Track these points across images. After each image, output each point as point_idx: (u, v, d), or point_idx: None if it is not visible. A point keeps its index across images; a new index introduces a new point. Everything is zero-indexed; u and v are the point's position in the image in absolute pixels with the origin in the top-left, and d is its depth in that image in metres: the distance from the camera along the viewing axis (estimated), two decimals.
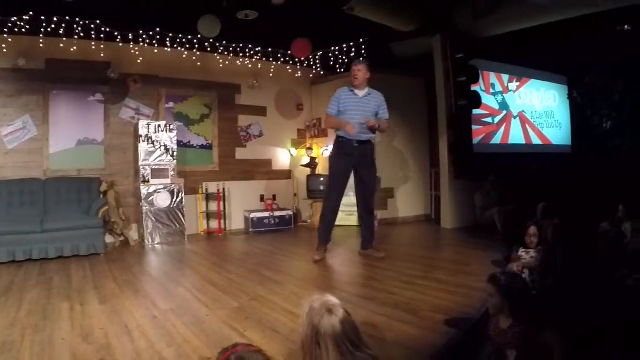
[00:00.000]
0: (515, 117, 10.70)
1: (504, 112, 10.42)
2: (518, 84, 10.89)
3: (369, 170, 6.20)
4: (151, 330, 3.56)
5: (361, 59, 6.64)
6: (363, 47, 9.00)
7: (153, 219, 7.95)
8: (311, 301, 1.95)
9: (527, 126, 11.00)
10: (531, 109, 11.15)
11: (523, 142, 10.85)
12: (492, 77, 10.23)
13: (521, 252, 4.64)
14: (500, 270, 4.54)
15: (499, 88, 10.38)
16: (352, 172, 6.20)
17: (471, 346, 3.18)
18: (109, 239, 7.87)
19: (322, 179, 9.80)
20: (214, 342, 3.22)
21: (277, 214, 9.39)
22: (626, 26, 8.84)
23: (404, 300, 4.18)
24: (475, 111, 9.08)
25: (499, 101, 10.33)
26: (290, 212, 9.66)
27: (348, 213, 9.43)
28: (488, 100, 9.81)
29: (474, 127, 9.40)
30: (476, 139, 9.51)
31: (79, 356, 3.07)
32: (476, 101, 8.66)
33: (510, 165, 9.30)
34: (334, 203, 6.22)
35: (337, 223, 9.03)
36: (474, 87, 8.79)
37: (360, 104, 6.02)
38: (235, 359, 1.60)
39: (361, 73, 5.99)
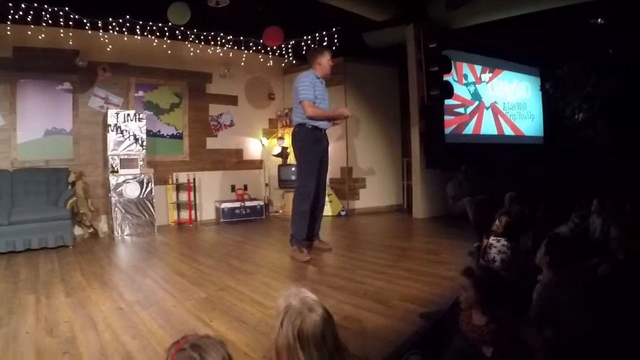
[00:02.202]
0: (487, 108, 10.76)
1: (476, 103, 10.47)
2: (491, 75, 10.95)
3: (327, 158, 6.19)
4: (116, 322, 3.51)
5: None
6: (336, 36, 8.96)
7: (122, 209, 7.86)
8: (287, 296, 1.87)
9: (500, 117, 11.07)
10: (503, 100, 11.22)
11: (495, 132, 10.93)
12: (465, 68, 10.27)
13: (492, 240, 4.65)
14: (472, 259, 4.60)
15: (471, 79, 10.43)
16: None
17: (440, 336, 3.18)
18: (77, 230, 7.78)
19: (293, 168, 9.80)
20: (180, 333, 3.06)
21: (248, 204, 9.39)
22: (599, 19, 8.93)
23: (373, 289, 4.18)
24: (448, 101, 9.09)
25: (472, 92, 10.38)
26: (262, 202, 9.66)
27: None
28: (460, 90, 9.84)
29: (446, 117, 9.45)
30: (448, 129, 9.56)
31: (43, 350, 3.03)
32: (448, 91, 8.67)
33: (482, 156, 9.37)
34: (310, 200, 5.90)
35: None
36: (446, 77, 8.80)
37: (326, 92, 6.03)
38: (190, 347, 1.57)
39: (331, 62, 6.04)
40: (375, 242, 6.93)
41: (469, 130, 10.19)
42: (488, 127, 10.72)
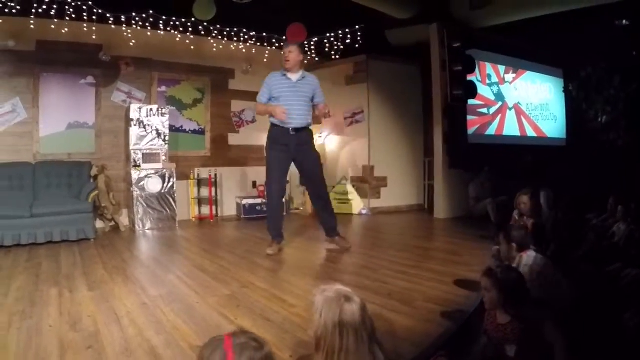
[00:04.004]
0: (510, 109, 10.67)
1: (500, 103, 10.38)
2: (514, 75, 10.85)
3: (309, 156, 5.83)
4: (140, 318, 3.50)
5: (291, 39, 6.42)
6: (359, 33, 8.91)
7: (144, 204, 7.88)
8: (323, 290, 1.93)
9: (523, 118, 10.97)
10: (527, 101, 11.12)
11: (518, 133, 10.83)
12: (489, 68, 10.18)
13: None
14: (495, 263, 4.54)
15: (495, 79, 10.34)
16: (292, 162, 5.91)
17: (466, 338, 3.15)
18: (99, 224, 7.82)
19: None
20: (204, 330, 3.18)
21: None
22: (624, 21, 8.80)
23: (397, 289, 4.13)
24: (471, 101, 9.01)
25: (495, 92, 10.29)
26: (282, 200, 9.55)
27: (340, 201, 9.43)
28: (484, 90, 9.76)
29: (469, 118, 9.36)
30: (471, 130, 9.47)
31: (66, 343, 3.01)
32: (472, 91, 8.60)
33: (505, 157, 9.28)
34: (275, 199, 5.89)
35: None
36: (469, 77, 8.73)
37: (294, 88, 5.67)
38: (242, 334, 1.58)
39: (293, 55, 5.64)
40: (397, 241, 6.87)
41: (491, 130, 10.10)
42: (511, 128, 10.62)
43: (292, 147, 5.67)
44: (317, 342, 1.88)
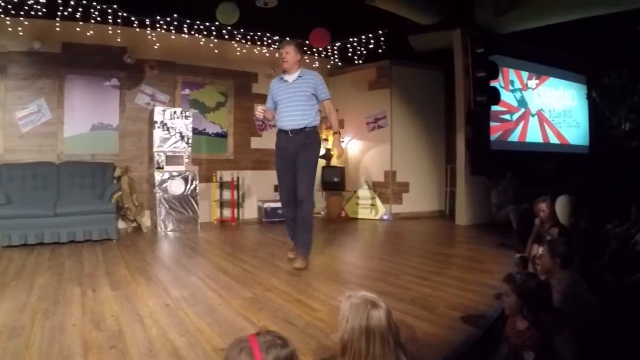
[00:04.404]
0: (533, 115, 10.60)
1: (523, 110, 10.32)
2: (537, 81, 10.79)
3: (302, 157, 5.42)
4: (163, 319, 3.51)
5: (288, 39, 5.96)
6: (382, 39, 8.91)
7: (166, 205, 7.92)
8: (349, 297, 1.94)
9: (545, 124, 10.89)
10: (550, 108, 11.04)
11: (540, 140, 10.75)
12: (512, 74, 10.13)
13: (540, 252, 4.52)
14: (516, 269, 4.49)
15: (518, 85, 10.28)
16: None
17: (488, 345, 3.14)
18: (121, 224, 7.89)
19: (337, 170, 9.82)
20: (227, 333, 3.18)
21: None
22: None
23: (419, 296, 4.12)
24: (494, 107, 8.96)
25: (518, 98, 10.23)
26: None
27: (362, 206, 9.43)
28: (507, 97, 9.71)
29: (491, 124, 9.31)
30: (494, 136, 9.43)
31: (90, 343, 3.03)
32: (495, 97, 8.54)
33: (527, 164, 9.21)
34: (284, 202, 5.71)
35: (355, 216, 9.18)
36: (493, 83, 8.67)
37: (290, 90, 5.47)
38: (267, 333, 1.59)
39: (290, 55, 5.42)
40: (419, 247, 6.84)
41: (514, 137, 10.04)
42: (534, 134, 10.55)
43: (291, 149, 5.45)
44: (342, 347, 1.88)
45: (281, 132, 5.54)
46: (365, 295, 1.93)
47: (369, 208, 9.49)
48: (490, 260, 5.72)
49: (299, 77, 5.48)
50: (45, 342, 3.04)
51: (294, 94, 5.43)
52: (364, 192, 9.65)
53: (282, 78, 5.57)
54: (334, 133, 5.74)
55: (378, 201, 9.53)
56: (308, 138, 5.44)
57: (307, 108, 5.44)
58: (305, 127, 5.41)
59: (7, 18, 7.28)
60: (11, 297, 4.07)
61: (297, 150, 5.40)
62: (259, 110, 5.51)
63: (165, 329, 3.28)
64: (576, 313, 3.18)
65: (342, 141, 9.81)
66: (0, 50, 7.54)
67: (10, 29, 7.40)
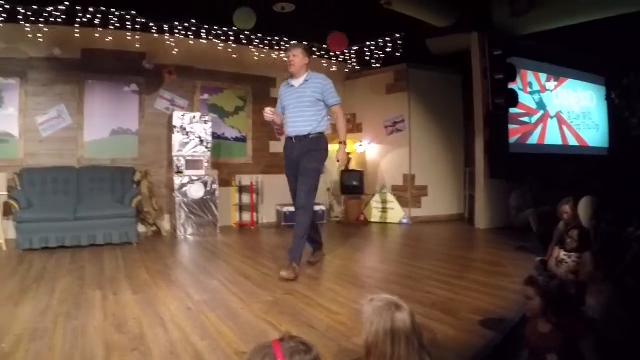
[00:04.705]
0: (552, 117, 10.50)
1: (541, 112, 10.22)
2: (556, 83, 10.68)
3: (303, 164, 5.25)
4: (185, 322, 3.52)
5: (295, 42, 5.76)
6: (399, 42, 8.90)
7: (186, 209, 7.97)
8: (372, 300, 1.93)
9: (564, 127, 10.78)
10: (568, 109, 10.92)
11: (560, 143, 10.64)
12: (530, 76, 10.05)
13: (563, 255, 4.48)
14: (537, 272, 4.46)
15: (536, 87, 10.19)
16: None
17: (509, 349, 3.12)
18: (141, 228, 7.95)
19: (356, 174, 9.82)
20: (249, 336, 3.19)
21: None
22: None
23: (440, 299, 4.10)
24: (512, 110, 8.89)
25: (536, 100, 10.14)
26: (323, 207, 9.66)
27: (382, 210, 9.42)
28: (525, 99, 9.62)
29: (510, 127, 9.24)
30: (512, 139, 9.35)
31: (112, 345, 3.05)
32: (513, 100, 8.48)
33: (546, 166, 9.13)
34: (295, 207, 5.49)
35: (374, 220, 9.22)
36: (511, 86, 8.61)
37: (295, 94, 5.31)
38: (290, 339, 1.58)
39: (297, 59, 5.23)
40: (439, 251, 6.83)
41: (533, 140, 9.96)
42: (552, 137, 10.45)
43: (295, 156, 5.31)
44: (367, 350, 1.87)
45: (287, 139, 5.42)
46: (388, 297, 1.92)
47: (387, 212, 9.49)
48: (510, 264, 5.67)
49: (306, 81, 5.31)
50: (67, 344, 3.06)
51: (299, 99, 5.28)
52: (383, 196, 9.64)
53: (289, 83, 5.42)
54: (340, 142, 5.42)
55: (397, 205, 9.51)
56: (312, 145, 5.26)
57: (312, 114, 5.27)
58: (309, 134, 5.25)
59: (27, 25, 7.40)
60: (33, 299, 4.11)
61: (300, 157, 5.26)
62: (269, 112, 5.33)
63: (187, 332, 3.29)
64: (610, 322, 3.17)
65: (361, 145, 9.83)
66: (21, 56, 7.68)
67: (30, 36, 7.53)
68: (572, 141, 10.95)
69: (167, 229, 8.29)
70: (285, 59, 5.41)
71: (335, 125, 5.54)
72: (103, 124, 8.23)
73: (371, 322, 1.84)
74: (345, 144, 5.49)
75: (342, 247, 6.89)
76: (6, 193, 6.87)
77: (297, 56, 5.23)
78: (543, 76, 10.34)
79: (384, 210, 9.53)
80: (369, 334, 1.85)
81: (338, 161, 5.41)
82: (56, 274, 5.16)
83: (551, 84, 10.56)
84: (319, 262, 5.55)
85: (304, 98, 5.25)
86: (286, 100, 5.38)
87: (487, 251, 6.82)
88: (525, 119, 9.83)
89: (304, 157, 5.24)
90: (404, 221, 9.40)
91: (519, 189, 8.41)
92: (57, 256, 6.13)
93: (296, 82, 5.34)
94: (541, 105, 10.23)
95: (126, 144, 8.40)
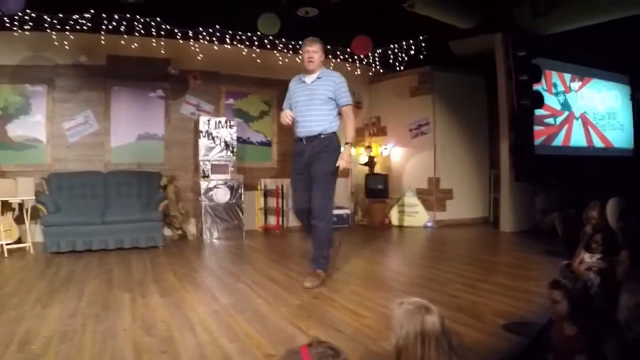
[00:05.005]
0: (577, 118, 10.39)
1: (566, 113, 10.12)
2: (580, 83, 10.56)
3: (318, 167, 4.92)
4: (213, 325, 3.56)
5: (312, 37, 5.15)
6: (422, 45, 8.89)
7: (212, 213, 8.01)
8: (401, 303, 1.93)
9: (589, 127, 10.66)
10: (593, 110, 10.79)
11: (585, 144, 10.53)
12: (554, 77, 9.95)
13: (588, 259, 4.45)
14: (562, 275, 4.42)
15: (561, 88, 10.09)
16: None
17: (534, 353, 3.10)
18: (166, 232, 8.00)
19: (380, 177, 9.84)
20: (277, 339, 3.21)
21: (335, 212, 9.26)
22: None
23: (466, 303, 4.09)
24: (537, 111, 8.84)
25: (561, 101, 10.04)
26: (348, 211, 9.65)
27: (407, 213, 9.40)
28: (550, 100, 9.52)
29: (535, 128, 9.16)
30: (537, 140, 9.26)
31: (141, 347, 3.10)
32: (538, 101, 8.42)
33: (572, 168, 9.04)
34: (296, 211, 5.28)
35: (399, 223, 9.16)
36: (535, 87, 8.55)
37: (307, 92, 5.00)
38: (319, 344, 1.59)
39: (317, 55, 4.97)
40: (464, 255, 6.79)
41: (558, 141, 9.86)
42: (578, 138, 10.34)
43: (305, 157, 4.98)
44: (397, 353, 1.88)
45: (297, 140, 5.12)
46: (418, 301, 1.93)
47: (412, 215, 9.45)
48: (536, 267, 5.64)
49: (318, 78, 5.02)
50: (97, 346, 3.11)
51: (310, 97, 4.97)
52: (407, 199, 9.60)
53: (301, 78, 5.13)
54: (347, 143, 4.98)
55: (422, 208, 9.47)
56: (323, 145, 4.94)
57: (323, 113, 4.96)
58: (320, 134, 4.94)
59: (54, 33, 7.55)
60: (62, 302, 4.18)
61: (312, 159, 4.94)
62: (288, 116, 4.90)
63: (215, 335, 3.32)
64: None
65: (386, 148, 9.81)
66: (48, 63, 7.82)
67: (56, 43, 7.68)
68: (598, 142, 10.82)
69: (192, 232, 8.35)
70: (301, 56, 5.15)
71: (344, 126, 5.05)
72: (129, 129, 8.33)
73: (401, 325, 1.85)
74: (352, 145, 5.07)
75: (367, 251, 6.89)
76: (34, 197, 6.97)
77: (317, 52, 4.98)
78: (567, 76, 10.24)
79: (409, 213, 9.50)
80: (399, 336, 1.85)
81: (342, 161, 4.96)
82: (84, 276, 5.24)
83: (576, 85, 10.46)
84: (317, 287, 4.74)
85: (316, 96, 4.97)
86: (295, 97, 5.09)
87: (513, 254, 6.77)
88: (550, 121, 9.74)
89: (315, 159, 4.93)
90: (429, 224, 9.35)
91: (545, 191, 8.33)
92: (85, 259, 6.23)
93: (308, 79, 5.06)
94: (566, 106, 10.13)
95: (152, 148, 8.50)
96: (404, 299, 1.96)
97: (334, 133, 5.02)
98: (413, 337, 1.81)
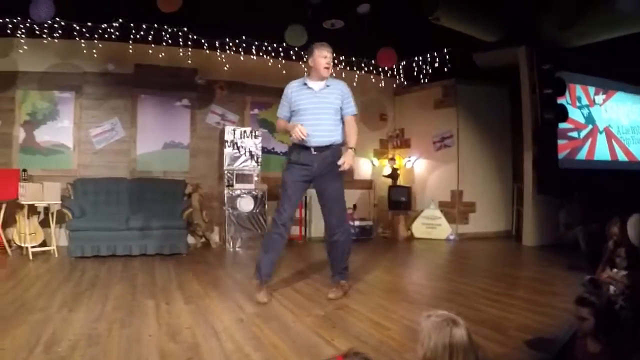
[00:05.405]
0: (601, 132, 10.30)
1: (590, 126, 10.04)
2: (604, 96, 10.48)
3: (334, 183, 4.83)
4: (238, 333, 3.58)
5: (323, 43, 4.86)
6: (447, 57, 8.90)
7: (235, 222, 8.07)
8: (428, 316, 1.97)
9: (613, 141, 10.57)
10: (617, 124, 10.69)
11: (609, 158, 10.42)
12: (578, 90, 9.88)
13: (611, 273, 4.43)
14: (586, 291, 4.40)
15: (585, 101, 10.02)
16: (311, 185, 4.96)
17: None
18: (190, 239, 8.06)
19: (403, 190, 9.83)
20: (302, 349, 3.24)
21: (358, 223, 9.34)
22: None
23: (489, 317, 4.08)
24: (561, 125, 8.78)
25: (585, 115, 9.97)
26: (370, 223, 9.63)
27: (429, 226, 9.37)
28: (574, 113, 9.46)
29: (559, 142, 9.10)
30: (561, 154, 9.20)
31: (166, 353, 3.12)
32: (563, 114, 8.39)
33: (596, 182, 8.96)
34: (282, 221, 4.90)
35: (421, 236, 9.02)
36: (559, 100, 8.52)
37: (316, 99, 4.71)
38: (355, 354, 1.62)
39: (329, 61, 4.71)
40: (487, 268, 6.79)
41: (582, 155, 9.78)
42: (602, 152, 10.25)
43: (315, 168, 4.73)
44: None
45: (300, 148, 4.75)
46: (445, 313, 1.96)
47: (435, 228, 9.43)
48: (560, 282, 5.61)
49: (327, 86, 4.78)
50: (122, 351, 3.15)
51: (321, 105, 4.71)
52: (430, 212, 9.57)
53: (305, 84, 4.81)
54: (350, 148, 4.74)
55: (444, 221, 9.44)
56: (334, 157, 4.71)
57: (334, 122, 4.78)
58: (332, 144, 4.75)
59: (83, 41, 7.71)
60: (87, 306, 4.24)
61: (322, 170, 4.74)
62: (304, 132, 4.52)
63: (240, 344, 3.34)
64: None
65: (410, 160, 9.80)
66: (76, 71, 8.00)
67: (85, 51, 7.84)
68: (622, 156, 10.71)
69: (216, 240, 8.41)
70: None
71: (348, 132, 4.82)
72: (155, 137, 8.46)
73: (430, 337, 1.88)
74: (355, 151, 4.81)
75: (390, 263, 6.92)
76: (60, 202, 7.09)
77: (330, 58, 4.73)
78: (592, 90, 10.17)
79: (431, 226, 9.47)
80: (427, 348, 1.88)
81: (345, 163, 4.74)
82: (108, 281, 5.32)
83: (600, 98, 10.38)
84: (340, 298, 4.77)
85: (326, 104, 4.73)
86: (300, 104, 4.74)
87: (536, 269, 6.73)
88: (574, 134, 9.67)
89: (327, 172, 4.75)
90: (451, 237, 9.32)
91: (568, 205, 8.28)
92: (109, 264, 6.32)
93: (316, 85, 4.78)
94: (590, 119, 10.06)
95: (177, 157, 8.61)
96: (431, 311, 2.00)
97: (341, 144, 4.85)
98: (441, 349, 1.84)
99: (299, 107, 4.72)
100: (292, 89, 4.85)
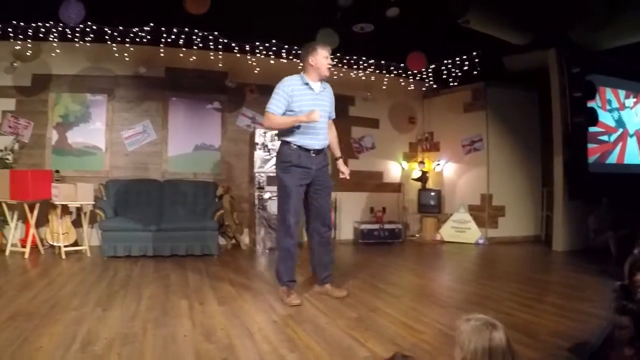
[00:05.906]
0: (631, 135, 10.18)
1: (620, 130, 9.93)
2: (635, 100, 10.35)
3: (327, 187, 4.88)
4: (272, 334, 3.63)
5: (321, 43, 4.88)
6: (476, 60, 8.87)
7: (265, 224, 8.14)
8: (467, 319, 1.99)
9: None
10: None
11: (639, 162, 10.31)
12: (609, 93, 9.78)
13: None
14: (617, 297, 4.37)
15: (615, 104, 9.91)
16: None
17: None
18: (220, 241, 8.12)
19: (433, 193, 9.87)
20: (336, 351, 3.27)
21: (387, 226, 9.37)
22: None
23: (520, 322, 4.07)
24: (591, 129, 8.71)
25: (615, 118, 9.86)
26: (400, 226, 9.62)
27: (458, 230, 9.34)
28: (604, 117, 9.37)
29: (589, 145, 9.02)
30: (591, 158, 9.11)
31: (202, 353, 3.17)
32: (593, 118, 8.32)
33: (626, 187, 8.86)
34: (294, 228, 4.76)
35: (450, 239, 8.95)
36: (590, 104, 8.46)
37: (317, 101, 4.66)
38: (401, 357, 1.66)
39: (330, 61, 4.72)
40: (517, 273, 6.78)
41: (612, 159, 9.68)
42: (632, 155, 10.13)
43: (313, 171, 4.71)
44: None
45: (300, 150, 4.64)
46: (484, 317, 1.98)
47: (465, 232, 9.40)
48: (590, 287, 5.56)
49: (324, 89, 4.80)
50: (158, 350, 3.21)
51: (321, 107, 4.65)
52: (460, 216, 9.55)
53: (307, 84, 4.69)
54: (339, 157, 5.10)
55: (474, 225, 9.40)
56: (325, 160, 4.84)
57: (327, 125, 4.84)
58: (324, 148, 4.81)
59: (114, 44, 7.83)
60: (121, 305, 4.32)
61: (317, 173, 4.75)
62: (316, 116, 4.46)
63: (275, 345, 3.39)
64: None
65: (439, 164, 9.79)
66: (108, 74, 8.17)
67: (117, 55, 7.98)
68: None
69: (246, 242, 8.49)
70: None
71: (332, 140, 5.03)
72: (186, 140, 8.57)
73: (469, 340, 1.90)
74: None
75: (420, 266, 6.98)
76: (92, 202, 7.24)
77: (327, 57, 4.69)
78: (622, 93, 10.06)
79: (461, 229, 9.45)
80: (467, 352, 1.90)
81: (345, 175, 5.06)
82: (141, 281, 5.41)
83: (630, 101, 10.26)
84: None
85: (324, 107, 4.73)
86: (302, 104, 4.60)
87: (566, 274, 6.68)
88: (604, 138, 9.58)
89: (321, 173, 4.79)
90: (480, 241, 9.27)
91: (598, 210, 8.19)
92: (141, 264, 6.44)
93: (315, 86, 4.72)
94: (620, 123, 9.96)
95: (208, 159, 8.70)
96: (470, 315, 2.02)
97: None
98: (481, 352, 1.86)
99: (300, 108, 4.58)
100: (292, 87, 4.64)
